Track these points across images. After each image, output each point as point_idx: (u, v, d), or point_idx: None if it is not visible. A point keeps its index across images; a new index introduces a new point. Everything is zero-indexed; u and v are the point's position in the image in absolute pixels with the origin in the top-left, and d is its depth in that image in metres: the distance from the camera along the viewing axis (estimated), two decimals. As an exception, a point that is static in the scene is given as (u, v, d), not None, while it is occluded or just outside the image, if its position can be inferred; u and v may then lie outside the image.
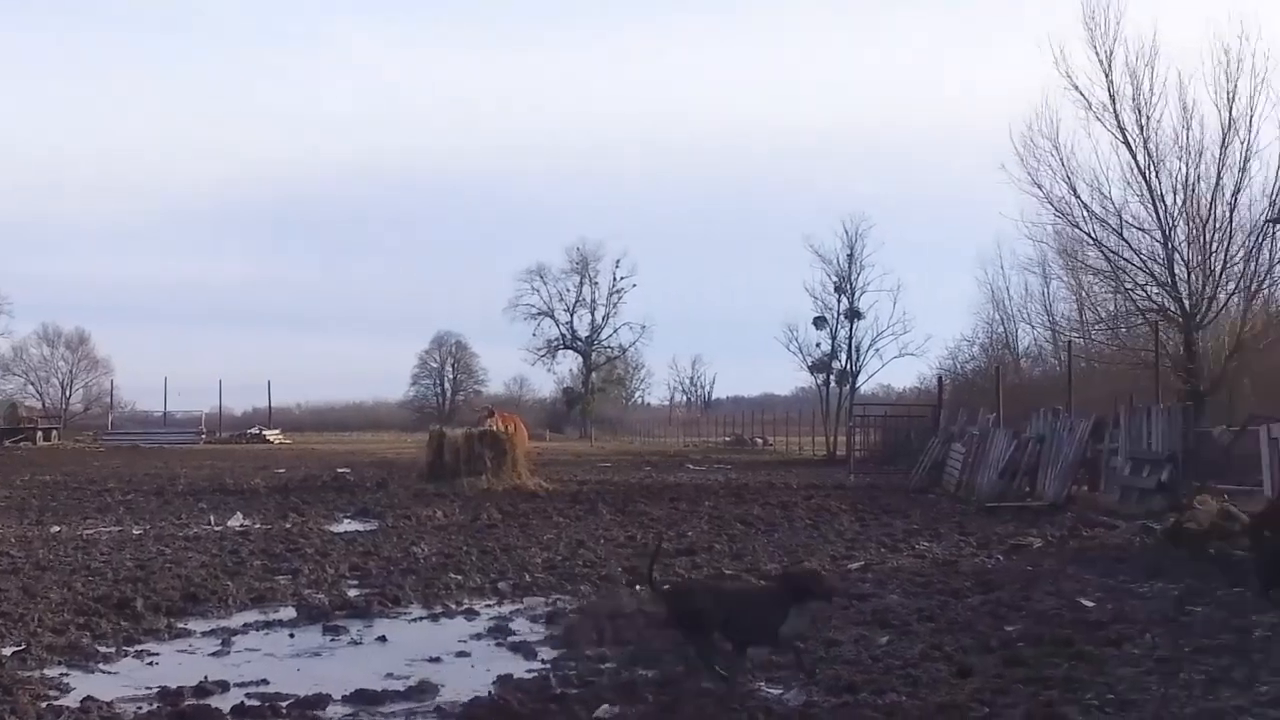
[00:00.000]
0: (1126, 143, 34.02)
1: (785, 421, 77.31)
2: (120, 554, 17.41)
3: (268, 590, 14.06)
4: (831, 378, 71.58)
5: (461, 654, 10.78)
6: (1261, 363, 34.35)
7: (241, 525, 21.98)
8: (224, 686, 9.32)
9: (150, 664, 10.46)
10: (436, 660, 10.45)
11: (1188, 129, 33.81)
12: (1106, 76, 34.14)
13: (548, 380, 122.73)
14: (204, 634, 11.75)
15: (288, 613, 12.85)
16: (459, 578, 15.13)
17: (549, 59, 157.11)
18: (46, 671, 9.92)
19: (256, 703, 8.82)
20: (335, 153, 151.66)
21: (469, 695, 8.98)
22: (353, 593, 14.14)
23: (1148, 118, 33.90)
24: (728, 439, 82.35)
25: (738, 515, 23.36)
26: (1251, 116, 33.08)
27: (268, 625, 12.18)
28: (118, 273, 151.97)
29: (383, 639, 11.52)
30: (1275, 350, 33.04)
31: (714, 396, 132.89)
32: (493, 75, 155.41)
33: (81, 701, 8.81)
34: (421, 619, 12.71)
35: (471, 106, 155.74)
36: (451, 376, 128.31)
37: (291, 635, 11.73)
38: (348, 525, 22.50)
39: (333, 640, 11.51)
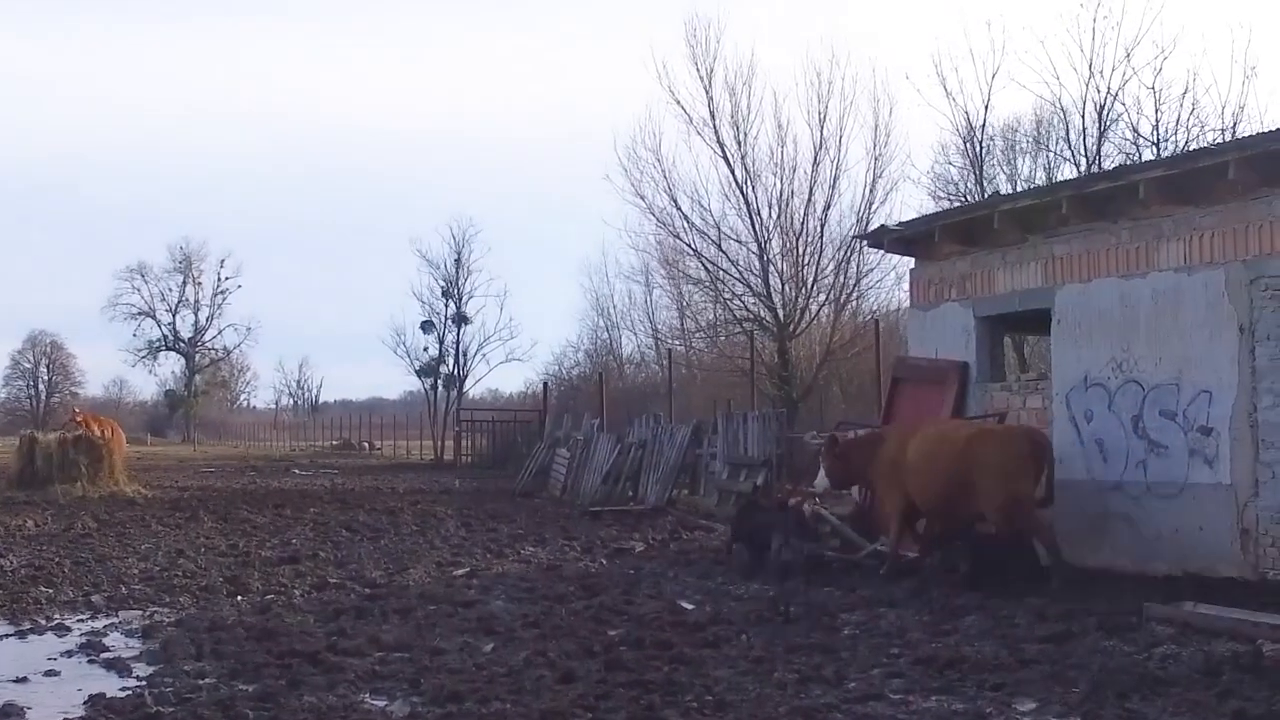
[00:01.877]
0: (725, 158, 35.37)
1: (394, 425, 76.85)
2: None
3: None
4: (439, 382, 71.29)
5: (50, 673, 10.27)
6: (849, 370, 36.02)
7: None
8: None
9: None
10: (23, 680, 9.92)
11: (783, 146, 35.43)
12: (707, 93, 35.43)
13: (149, 382, 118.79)
14: None
15: None
16: (50, 591, 14.51)
17: (156, 49, 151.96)
18: None
19: None
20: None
21: (58, 717, 8.62)
22: (-71, 609, 13.37)
23: (745, 134, 35.35)
24: (335, 443, 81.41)
25: (343, 521, 23.05)
26: (841, 136, 34.94)
27: None
28: None
29: (-39, 659, 10.94)
30: (862, 359, 34.64)
31: (322, 400, 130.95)
32: (96, 63, 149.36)
33: None
34: (7, 637, 12.06)
35: (68, 94, 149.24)
36: (47, 378, 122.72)
37: None
38: (-75, 535, 21.24)
39: (-95, 663, 10.86)
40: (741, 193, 35.11)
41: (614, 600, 13.47)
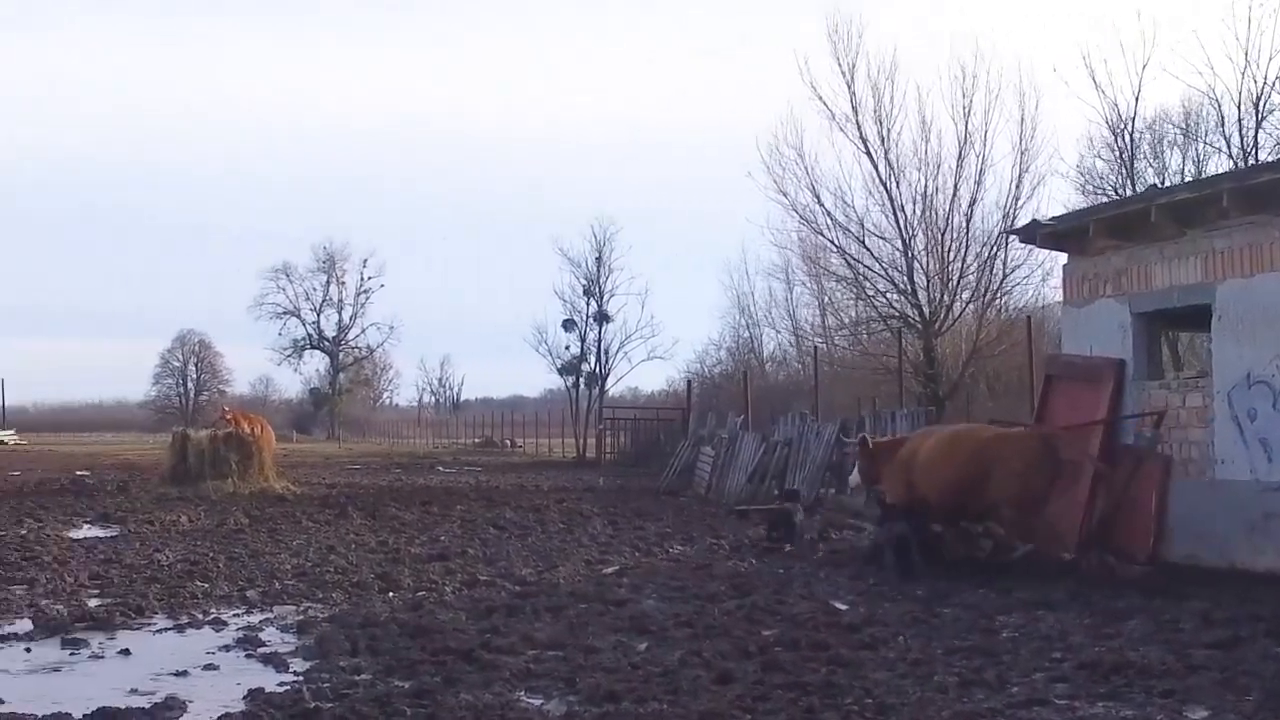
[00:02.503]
0: (869, 153, 34.92)
1: (535, 423, 77.18)
2: None
3: (1, 601, 13.41)
4: (581, 380, 71.49)
5: (210, 667, 10.41)
6: (996, 368, 35.47)
7: (-30, 532, 21.01)
8: (-46, 707, 8.84)
9: None
10: (184, 674, 10.07)
11: (927, 141, 34.91)
12: (849, 88, 35.00)
13: (295, 381, 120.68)
14: (-69, 650, 11.16)
15: (23, 625, 12.27)
16: (205, 585, 14.72)
17: (300, 51, 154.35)
18: None
19: (-10, 724, 8.41)
20: (71, 149, 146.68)
21: (219, 711, 8.68)
22: (93, 603, 13.58)
23: (888, 129, 34.88)
24: (477, 440, 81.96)
25: (490, 519, 23.17)
26: (986, 131, 34.34)
27: (1, 639, 11.59)
28: None
29: (126, 652, 11.09)
30: (1009, 356, 34.10)
31: (463, 398, 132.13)
32: (236, 71, 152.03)
33: None
34: (167, 630, 12.26)
35: (212, 101, 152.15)
36: (195, 376, 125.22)
37: (28, 650, 11.19)
38: (88, 531, 21.72)
39: (72, 654, 11.02)
40: (885, 189, 34.69)
41: (766, 600, 13.33)
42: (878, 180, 34.85)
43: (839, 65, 35.01)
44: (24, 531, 20.93)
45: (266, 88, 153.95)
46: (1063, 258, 18.23)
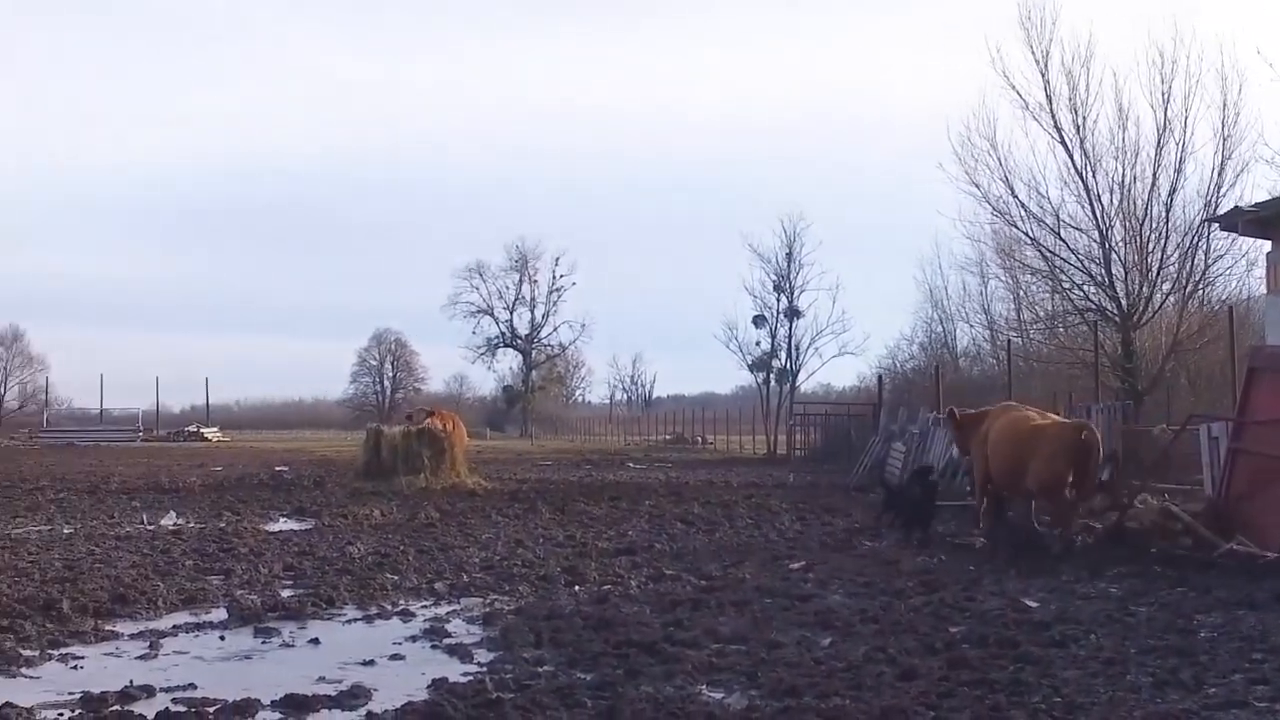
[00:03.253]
0: (1063, 142, 34.11)
1: (726, 420, 77.28)
2: (49, 554, 17.03)
3: (199, 591, 13.72)
4: (771, 376, 71.35)
5: (396, 656, 10.53)
6: (1197, 362, 34.49)
7: (175, 524, 21.57)
8: (149, 691, 9.03)
9: (75, 668, 10.14)
10: (370, 663, 10.19)
11: (1124, 129, 33.96)
12: (1043, 76, 34.21)
13: (488, 379, 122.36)
14: (132, 636, 11.42)
15: (219, 614, 12.53)
16: (395, 578, 14.88)
17: (487, 53, 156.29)
18: (-36, 677, 9.62)
19: (182, 708, 8.56)
20: (272, 150, 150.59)
21: (402, 700, 8.74)
22: (286, 593, 13.86)
23: (1084, 118, 34.01)
24: (668, 437, 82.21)
25: (678, 514, 23.17)
26: (1186, 117, 33.24)
27: (198, 627, 11.86)
28: (53, 270, 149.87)
29: (315, 641, 11.26)
30: (1211, 350, 33.16)
31: (654, 395, 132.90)
32: (429, 70, 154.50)
33: (0, 708, 8.52)
34: (356, 620, 12.44)
35: (405, 101, 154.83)
36: (391, 374, 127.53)
37: (222, 637, 11.43)
38: (283, 524, 22.18)
39: (264, 643, 11.24)
40: (1081, 178, 33.87)
41: (955, 596, 13.08)
42: (1073, 170, 34.05)
43: (1032, 53, 34.26)
44: (223, 524, 21.47)
45: (460, 87, 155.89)
46: (1267, 245, 17.65)
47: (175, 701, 8.75)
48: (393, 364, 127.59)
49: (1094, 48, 34.28)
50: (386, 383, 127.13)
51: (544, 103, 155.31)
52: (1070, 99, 34.01)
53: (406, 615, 12.62)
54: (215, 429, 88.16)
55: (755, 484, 34.15)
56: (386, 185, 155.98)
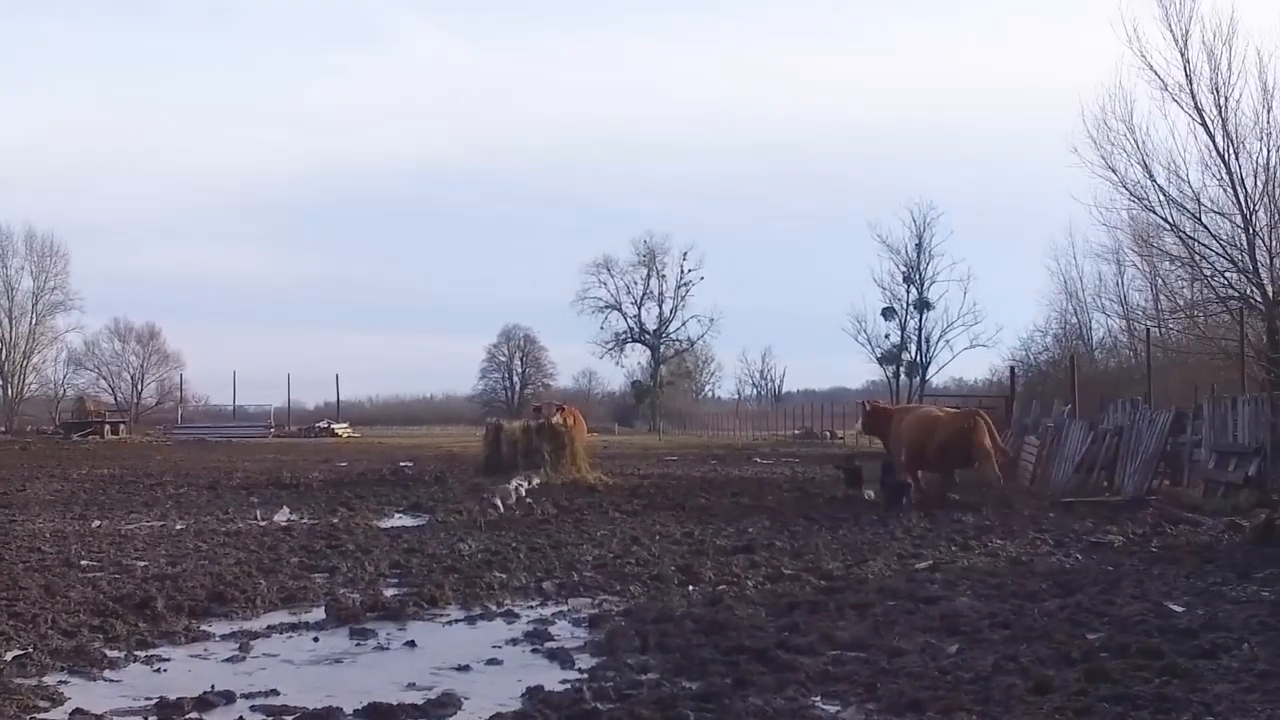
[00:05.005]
0: (1204, 124, 33.01)
1: (857, 415, 76.19)
2: (155, 550, 16.79)
3: (300, 590, 13.33)
4: (901, 369, 70.36)
5: (493, 661, 9.99)
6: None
7: (288, 520, 21.30)
8: (229, 697, 8.59)
9: (158, 670, 9.77)
10: (465, 669, 9.69)
11: (1269, 110, 32.73)
12: (1182, 56, 33.13)
13: (617, 374, 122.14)
14: (223, 637, 11.03)
15: (317, 614, 12.10)
16: (503, 576, 14.39)
17: (612, 49, 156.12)
18: (45, 679, 9.24)
19: (260, 717, 8.13)
20: (400, 148, 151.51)
21: (493, 709, 8.21)
22: (390, 592, 13.45)
23: (1226, 98, 32.85)
24: (797, 432, 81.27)
25: (801, 510, 22.43)
26: (1337, 95, 31.88)
27: (293, 628, 11.45)
28: (188, 268, 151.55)
29: (411, 644, 10.76)
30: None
31: (784, 390, 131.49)
32: (557, 66, 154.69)
33: (70, 715, 8.14)
34: (457, 621, 11.95)
35: (534, 97, 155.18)
36: (520, 370, 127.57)
37: (315, 639, 10.99)
38: (398, 520, 21.88)
39: (358, 645, 10.76)
40: (1223, 161, 32.65)
41: (1092, 600, 12.19)
42: (1215, 153, 32.89)
43: (1170, 31, 33.17)
44: (335, 520, 21.13)
45: (584, 82, 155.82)
46: None
47: (254, 709, 8.36)
48: (521, 360, 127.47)
49: (1236, 24, 33.18)
50: (515, 379, 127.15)
51: (669, 96, 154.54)
52: (1211, 79, 32.88)
53: (510, 616, 12.10)
54: (345, 425, 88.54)
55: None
56: (514, 182, 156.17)
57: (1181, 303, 39.08)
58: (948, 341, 72.39)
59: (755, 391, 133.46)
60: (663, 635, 10.60)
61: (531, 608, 12.60)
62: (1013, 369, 50.20)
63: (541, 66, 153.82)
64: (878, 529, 19.23)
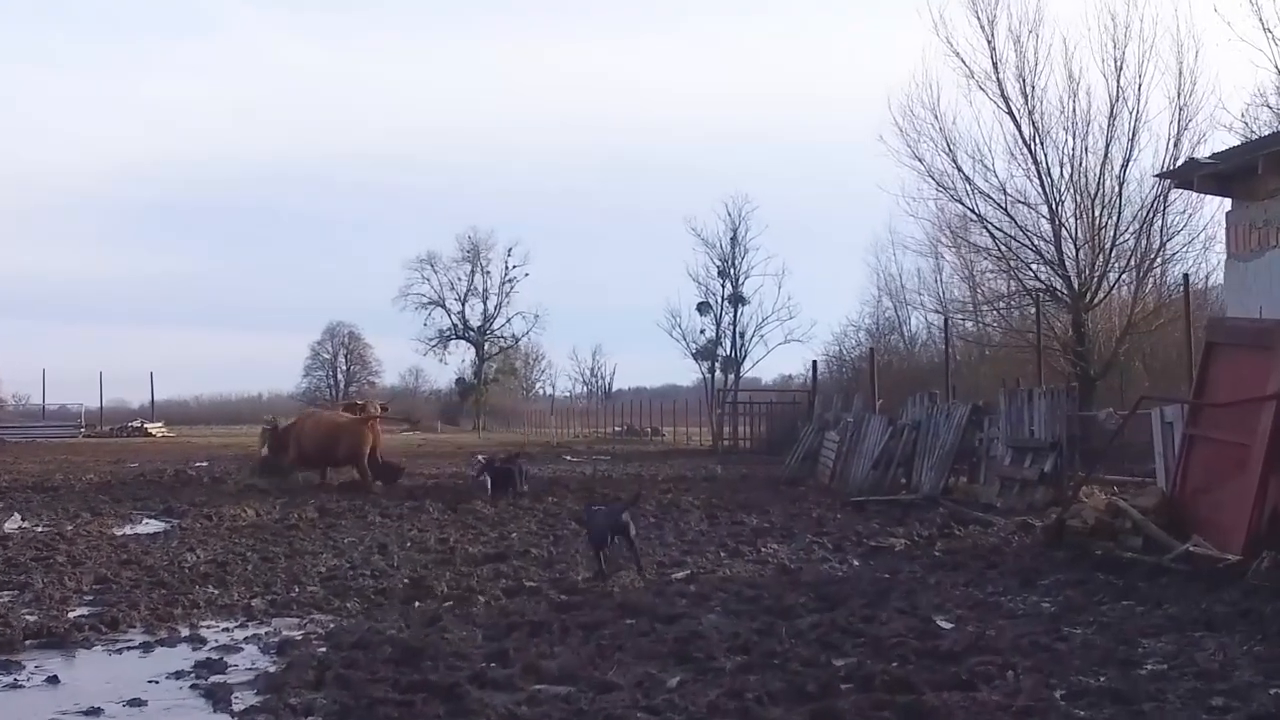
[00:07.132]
0: (1010, 113, 32.45)
1: (684, 411, 75.50)
2: None
3: (-26, 613, 11.54)
4: (717, 365, 69.54)
5: (135, 702, 8.37)
6: (1154, 344, 32.71)
7: (17, 527, 19.39)
8: None
9: None
10: (95, 713, 8.07)
11: (1074, 98, 32.23)
12: (989, 43, 32.51)
13: (444, 372, 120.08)
14: None
15: (-30, 644, 10.32)
16: (215, 592, 12.87)
17: (436, 47, 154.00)
18: None
19: None
20: (219, 144, 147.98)
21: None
22: (77, 613, 11.78)
23: (1032, 87, 32.36)
24: (618, 429, 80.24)
25: (577, 513, 20.95)
26: (1140, 85, 31.59)
27: (-74, 660, 9.68)
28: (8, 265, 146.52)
29: (54, 679, 9.08)
30: (1168, 331, 31.35)
31: (615, 387, 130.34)
32: (379, 63, 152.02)
33: None
34: (133, 648, 10.31)
35: (357, 95, 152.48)
36: (345, 367, 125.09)
37: (-60, 676, 9.25)
38: (144, 526, 20.16)
39: (-12, 683, 9.04)
40: (1029, 151, 31.98)
41: (852, 616, 10.85)
42: (1021, 142, 32.25)
43: (977, 18, 32.44)
44: (69, 528, 19.24)
45: (409, 81, 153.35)
46: (1227, 204, 15.55)
47: None
48: (346, 357, 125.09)
49: (1043, 12, 32.68)
50: (340, 376, 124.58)
51: (491, 94, 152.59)
52: (1018, 66, 32.31)
53: (196, 641, 10.52)
54: (160, 424, 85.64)
55: (682, 477, 32.08)
56: (337, 179, 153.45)
57: (993, 295, 38.56)
58: (762, 336, 71.70)
59: (586, 389, 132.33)
60: (349, 666, 9.10)
61: (226, 630, 11.04)
62: (815, 363, 49.59)
63: (365, 62, 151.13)
64: (650, 532, 17.88)
